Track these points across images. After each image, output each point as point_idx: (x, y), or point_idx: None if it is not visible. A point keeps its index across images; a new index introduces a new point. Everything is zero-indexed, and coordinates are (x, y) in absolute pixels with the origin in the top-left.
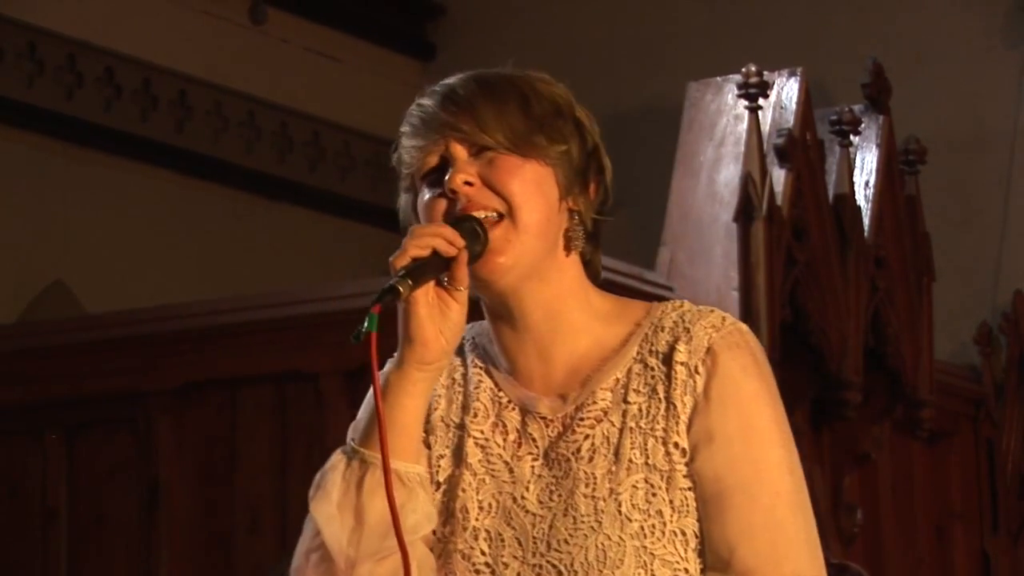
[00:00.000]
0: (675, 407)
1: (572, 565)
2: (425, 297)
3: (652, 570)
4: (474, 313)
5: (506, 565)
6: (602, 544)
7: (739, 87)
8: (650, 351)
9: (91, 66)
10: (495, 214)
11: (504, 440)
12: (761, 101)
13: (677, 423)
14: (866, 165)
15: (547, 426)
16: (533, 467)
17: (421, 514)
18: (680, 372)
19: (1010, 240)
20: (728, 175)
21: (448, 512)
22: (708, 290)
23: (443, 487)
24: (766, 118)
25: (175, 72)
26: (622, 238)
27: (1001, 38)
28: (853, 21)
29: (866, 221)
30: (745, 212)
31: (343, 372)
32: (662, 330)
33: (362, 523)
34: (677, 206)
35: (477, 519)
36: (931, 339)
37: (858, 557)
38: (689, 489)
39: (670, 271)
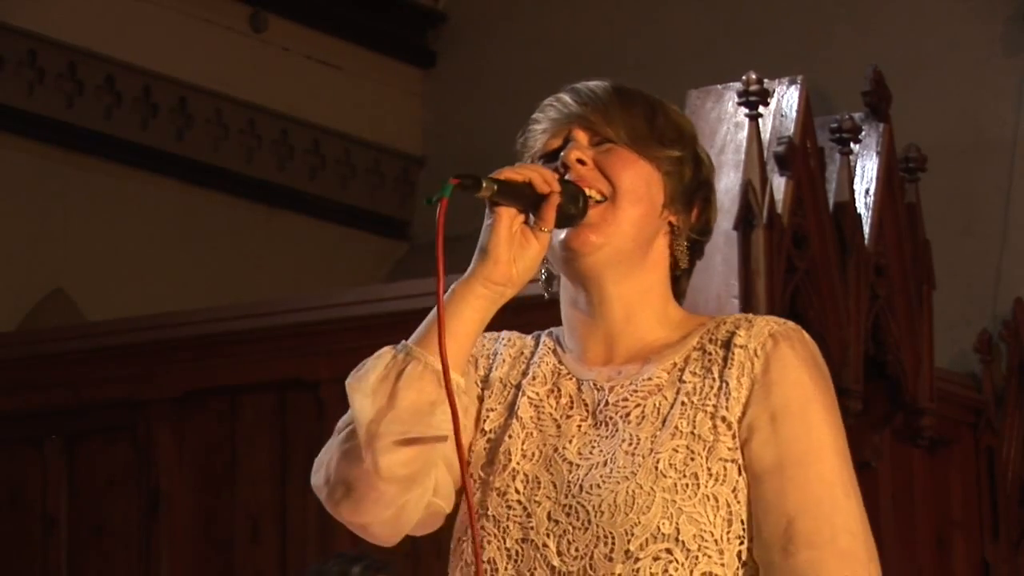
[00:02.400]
0: (727, 384)
1: (600, 506)
2: (509, 220)
3: (677, 523)
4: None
5: (538, 503)
6: (632, 491)
7: (739, 95)
8: (710, 340)
9: (92, 74)
10: (599, 195)
11: (557, 403)
12: (761, 109)
13: (728, 399)
14: (866, 173)
15: (599, 391)
16: (580, 426)
17: (448, 416)
18: (739, 354)
19: (1010, 248)
20: (728, 183)
21: (491, 456)
22: (708, 298)
23: (488, 434)
24: (766, 126)
25: (175, 80)
26: None
27: (1001, 46)
28: (853, 29)
29: (866, 229)
30: (745, 220)
31: (344, 380)
32: (723, 324)
33: (392, 406)
34: None
35: (518, 463)
36: (931, 347)
37: None
38: (730, 462)
39: None
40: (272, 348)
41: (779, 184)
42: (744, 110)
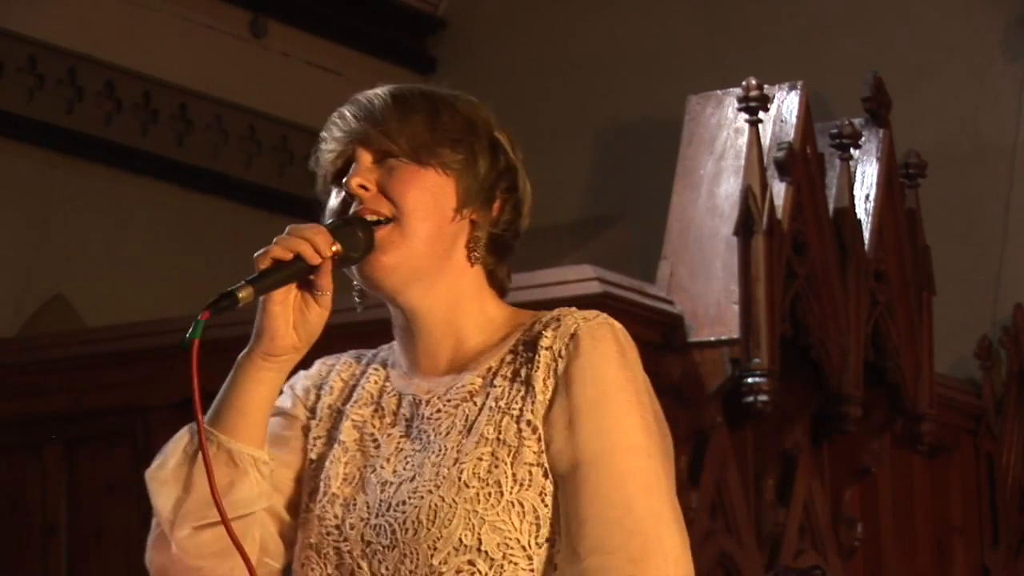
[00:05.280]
0: (533, 388)
1: (404, 523)
2: (283, 295)
3: (479, 534)
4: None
5: (352, 526)
6: (435, 504)
7: (739, 100)
8: (524, 343)
9: (91, 80)
10: (384, 219)
11: (380, 422)
12: (761, 114)
13: (533, 403)
14: (866, 179)
15: (418, 406)
16: (399, 443)
17: (249, 492)
18: (544, 356)
19: (1010, 254)
20: (728, 188)
21: (314, 484)
22: (708, 304)
23: (314, 463)
24: (766, 131)
25: (176, 86)
26: (622, 252)
27: (1001, 52)
28: (853, 35)
29: (866, 235)
30: (745, 226)
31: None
32: (539, 323)
33: (188, 493)
34: (677, 220)
35: (338, 488)
36: (931, 353)
37: (858, 571)
38: (536, 465)
39: (670, 285)
40: None
41: (779, 190)
42: (744, 116)
